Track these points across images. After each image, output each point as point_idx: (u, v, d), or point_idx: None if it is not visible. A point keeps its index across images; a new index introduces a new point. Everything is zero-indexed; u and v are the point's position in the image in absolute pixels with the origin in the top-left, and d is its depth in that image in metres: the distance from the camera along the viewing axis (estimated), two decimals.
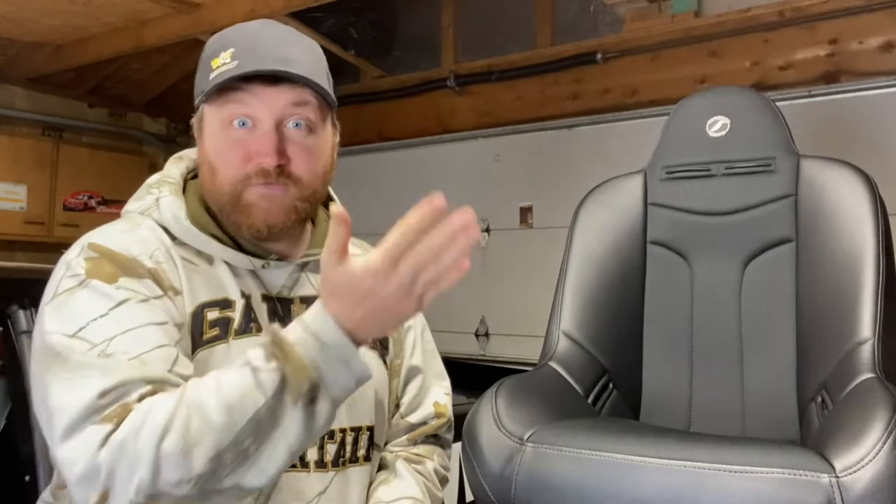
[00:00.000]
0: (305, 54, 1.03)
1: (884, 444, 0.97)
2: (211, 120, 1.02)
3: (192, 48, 3.85)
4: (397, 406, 1.20)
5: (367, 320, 0.81)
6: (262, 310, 1.03)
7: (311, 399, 0.81)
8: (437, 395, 1.23)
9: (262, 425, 0.80)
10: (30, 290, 1.61)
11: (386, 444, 1.19)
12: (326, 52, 1.10)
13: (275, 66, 0.97)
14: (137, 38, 3.34)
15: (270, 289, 1.05)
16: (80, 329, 0.88)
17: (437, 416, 1.21)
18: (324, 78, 1.03)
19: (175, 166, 1.11)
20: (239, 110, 0.99)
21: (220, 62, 0.99)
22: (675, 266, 1.52)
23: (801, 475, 0.97)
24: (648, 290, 1.53)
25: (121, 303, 0.90)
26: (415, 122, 3.84)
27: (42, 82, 4.08)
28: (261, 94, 0.98)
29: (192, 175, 1.11)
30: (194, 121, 1.06)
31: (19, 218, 4.02)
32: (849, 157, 1.42)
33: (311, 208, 1.07)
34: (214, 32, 1.07)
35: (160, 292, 0.94)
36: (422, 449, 1.19)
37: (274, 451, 0.81)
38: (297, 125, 1.01)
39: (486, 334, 3.54)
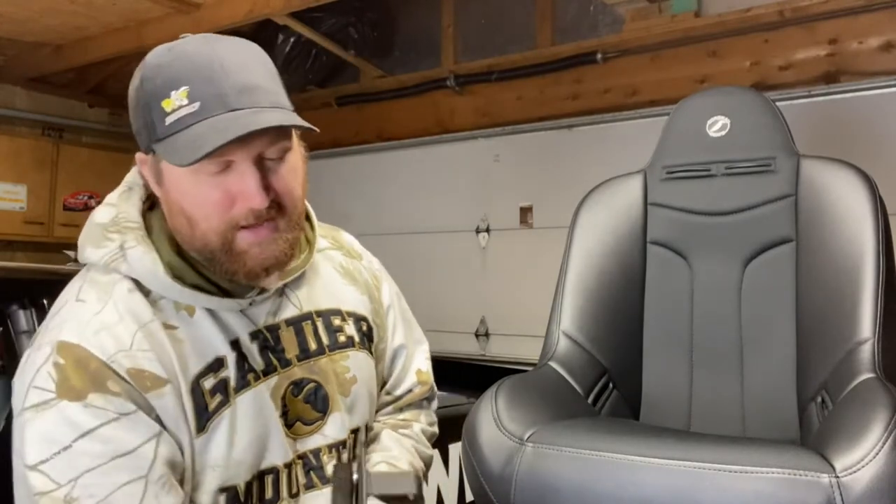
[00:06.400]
0: (262, 70, 0.93)
1: (884, 444, 0.97)
2: (174, 167, 0.89)
3: None
4: (383, 384, 1.21)
5: None
6: (252, 351, 0.99)
7: None
8: (419, 362, 1.24)
9: None
10: (30, 290, 1.61)
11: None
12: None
13: (245, 114, 0.87)
14: (137, 38, 3.35)
15: (257, 321, 1.00)
16: (43, 462, 0.84)
17: (421, 383, 1.23)
18: (282, 91, 0.94)
19: (128, 204, 0.98)
20: (211, 158, 0.86)
21: (175, 104, 0.87)
22: (675, 266, 1.52)
23: (801, 475, 0.97)
24: (648, 290, 1.53)
25: (85, 433, 0.85)
26: (415, 122, 3.84)
27: (42, 82, 4.08)
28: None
29: (146, 207, 1.00)
30: (147, 166, 0.95)
31: (19, 218, 4.02)
32: (849, 157, 1.42)
33: (299, 230, 1.01)
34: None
35: (131, 408, 0.87)
36: (407, 414, 1.22)
37: None
38: (272, 157, 0.92)
39: (486, 334, 3.54)
